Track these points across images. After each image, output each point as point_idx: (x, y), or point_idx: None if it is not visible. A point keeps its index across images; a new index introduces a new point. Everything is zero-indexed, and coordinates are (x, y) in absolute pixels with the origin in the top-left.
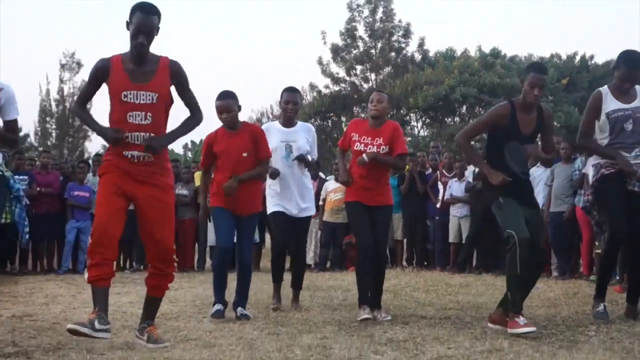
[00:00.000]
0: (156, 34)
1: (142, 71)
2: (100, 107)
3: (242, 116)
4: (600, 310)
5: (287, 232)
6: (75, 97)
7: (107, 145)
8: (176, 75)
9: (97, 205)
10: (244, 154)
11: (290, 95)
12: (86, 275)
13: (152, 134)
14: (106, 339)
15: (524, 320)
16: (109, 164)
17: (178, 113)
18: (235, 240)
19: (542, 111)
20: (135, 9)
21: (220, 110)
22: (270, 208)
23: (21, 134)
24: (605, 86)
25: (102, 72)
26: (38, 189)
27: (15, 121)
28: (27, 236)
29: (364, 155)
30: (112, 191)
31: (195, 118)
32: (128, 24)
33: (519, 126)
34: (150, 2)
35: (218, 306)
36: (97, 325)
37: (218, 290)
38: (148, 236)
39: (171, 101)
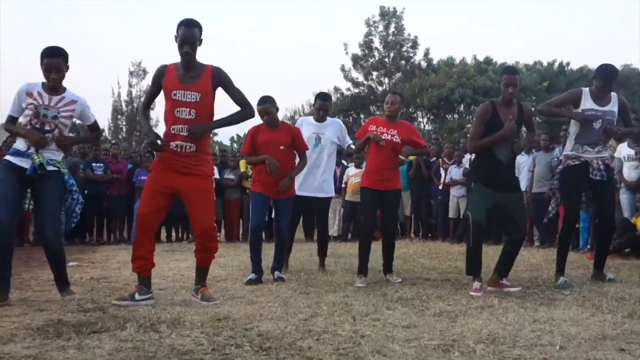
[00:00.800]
0: (199, 44)
1: (189, 75)
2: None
3: (278, 113)
4: (561, 283)
5: (300, 210)
6: (142, 99)
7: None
8: (218, 78)
9: (141, 199)
10: (282, 147)
11: (322, 103)
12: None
13: None
14: (152, 302)
15: (477, 284)
16: (157, 162)
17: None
18: (273, 217)
19: (522, 108)
20: (180, 24)
21: (261, 114)
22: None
23: None
24: (587, 87)
25: (159, 75)
26: (113, 175)
27: (94, 123)
28: (71, 225)
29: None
30: (155, 190)
31: (243, 111)
32: (176, 38)
33: (501, 119)
34: (193, 18)
35: (252, 275)
36: (137, 296)
37: (255, 262)
38: (192, 219)
39: (213, 101)
